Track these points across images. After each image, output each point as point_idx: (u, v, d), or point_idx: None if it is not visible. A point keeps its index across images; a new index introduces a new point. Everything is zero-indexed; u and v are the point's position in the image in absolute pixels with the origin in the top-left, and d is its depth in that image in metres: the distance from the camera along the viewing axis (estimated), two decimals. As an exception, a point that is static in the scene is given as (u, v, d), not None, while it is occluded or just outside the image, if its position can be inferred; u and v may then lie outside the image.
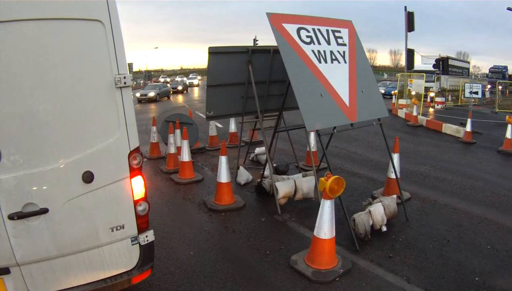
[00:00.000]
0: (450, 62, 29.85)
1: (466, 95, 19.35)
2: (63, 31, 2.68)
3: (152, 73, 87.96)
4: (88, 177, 2.85)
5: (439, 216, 5.96)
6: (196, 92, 44.55)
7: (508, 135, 10.73)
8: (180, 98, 34.94)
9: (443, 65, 27.68)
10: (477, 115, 17.11)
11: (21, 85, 2.57)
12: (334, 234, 4.21)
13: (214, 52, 6.36)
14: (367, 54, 6.16)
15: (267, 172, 6.89)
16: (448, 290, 4.00)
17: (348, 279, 4.15)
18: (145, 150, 9.81)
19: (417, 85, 21.12)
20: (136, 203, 3.12)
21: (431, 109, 21.05)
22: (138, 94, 30.30)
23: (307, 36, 5.19)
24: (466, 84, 20.82)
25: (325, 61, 5.21)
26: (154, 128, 9.88)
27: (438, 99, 22.53)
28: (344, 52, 5.56)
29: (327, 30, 5.48)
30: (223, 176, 6.21)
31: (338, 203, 4.74)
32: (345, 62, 5.50)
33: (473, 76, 34.80)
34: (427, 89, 22.27)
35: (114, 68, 2.87)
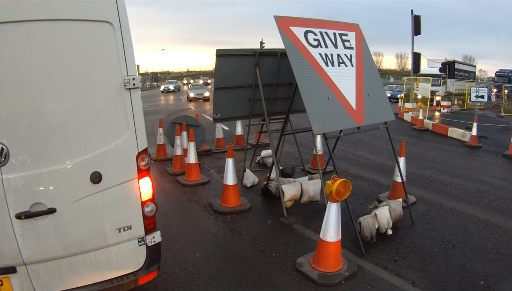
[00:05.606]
0: (456, 66, 29.74)
1: (472, 99, 19.25)
2: (73, 32, 2.68)
3: (158, 75, 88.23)
4: (96, 178, 2.86)
5: (445, 220, 5.94)
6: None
7: (513, 139, 10.66)
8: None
9: (449, 69, 27.63)
10: (483, 119, 17.04)
11: (30, 86, 2.58)
12: (340, 237, 4.20)
13: (221, 55, 6.38)
14: (373, 57, 6.15)
15: (273, 175, 6.89)
16: (454, 295, 3.99)
17: (353, 282, 4.14)
18: (151, 151, 9.83)
19: (423, 89, 21.04)
20: (143, 204, 3.12)
21: (437, 113, 20.97)
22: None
23: (315, 40, 5.19)
24: (472, 88, 20.70)
25: (332, 65, 5.21)
26: (160, 130, 9.89)
27: (444, 103, 22.48)
28: (351, 55, 5.55)
29: (335, 34, 5.48)
30: (229, 178, 6.22)
31: (344, 206, 4.74)
32: (352, 65, 5.50)
33: (479, 80, 34.59)
34: (433, 93, 22.19)
35: (123, 69, 2.88)
